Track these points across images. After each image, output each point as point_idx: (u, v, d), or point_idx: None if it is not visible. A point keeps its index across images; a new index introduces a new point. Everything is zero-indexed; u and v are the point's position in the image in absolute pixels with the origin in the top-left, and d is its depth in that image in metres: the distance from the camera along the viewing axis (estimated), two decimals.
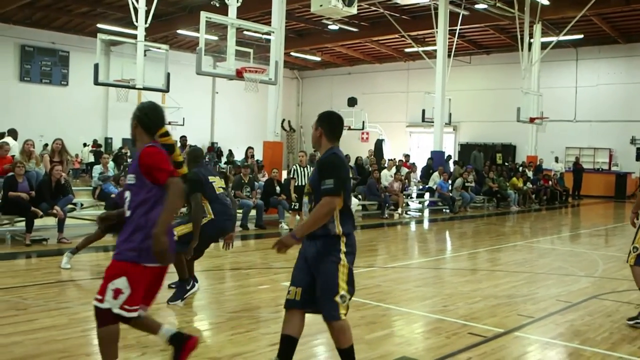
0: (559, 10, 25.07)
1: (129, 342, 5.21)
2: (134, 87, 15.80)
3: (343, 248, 4.15)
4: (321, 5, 15.36)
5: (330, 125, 4.36)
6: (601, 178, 29.17)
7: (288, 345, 4.32)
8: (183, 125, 30.21)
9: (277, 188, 14.27)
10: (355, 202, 16.50)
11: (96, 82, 15.53)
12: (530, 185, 23.50)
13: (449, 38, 23.70)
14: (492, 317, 6.58)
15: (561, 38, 26.28)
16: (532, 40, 25.74)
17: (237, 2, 14.49)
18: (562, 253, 12.34)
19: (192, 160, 6.97)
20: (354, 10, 15.95)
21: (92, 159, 25.77)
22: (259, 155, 19.70)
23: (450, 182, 20.07)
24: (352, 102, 31.07)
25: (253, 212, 13.67)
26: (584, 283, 8.77)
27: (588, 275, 9.42)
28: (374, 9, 26.09)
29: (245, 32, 21.62)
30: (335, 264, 4.13)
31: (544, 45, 25.96)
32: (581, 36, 28.40)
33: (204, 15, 13.28)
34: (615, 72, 30.48)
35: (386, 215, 17.17)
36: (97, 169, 13.25)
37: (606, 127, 30.07)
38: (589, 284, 8.71)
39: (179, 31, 29.13)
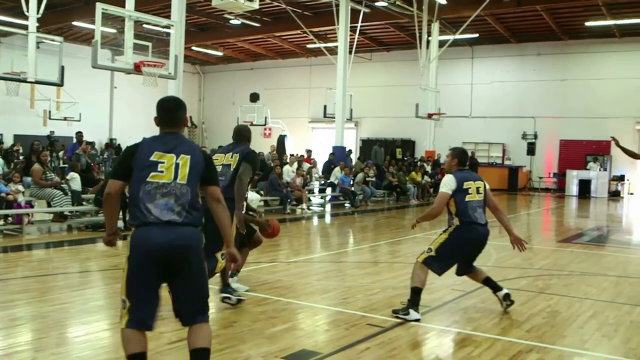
0: (456, 9, 25.92)
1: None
2: (25, 81, 15.12)
3: (128, 244, 3.83)
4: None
5: (157, 111, 4.08)
6: (495, 172, 30.38)
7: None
8: (80, 120, 29.19)
9: None
10: (257, 198, 16.43)
11: None
12: (429, 179, 24.17)
13: (350, 35, 24.02)
14: (391, 308, 6.71)
15: (457, 37, 27.19)
16: (430, 38, 26.47)
17: None
18: None
19: None
20: (255, 5, 15.93)
21: None
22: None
23: (351, 176, 20.36)
24: (254, 97, 30.98)
25: None
26: None
27: (482, 264, 9.70)
28: (276, 4, 26.10)
29: (144, 25, 21.14)
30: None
31: (441, 44, 26.76)
32: (476, 35, 29.53)
33: (99, 7, 12.87)
34: (508, 70, 31.86)
35: (288, 211, 17.24)
36: None
37: (500, 122, 31.39)
38: None
39: (74, 23, 28.14)
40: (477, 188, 6.57)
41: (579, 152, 29.75)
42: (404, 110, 28.64)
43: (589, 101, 29.38)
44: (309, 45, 33.76)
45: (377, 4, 24.92)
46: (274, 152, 24.16)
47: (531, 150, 30.06)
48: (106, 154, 26.13)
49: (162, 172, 3.83)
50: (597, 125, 28.91)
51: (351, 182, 20.19)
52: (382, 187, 22.08)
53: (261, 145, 30.18)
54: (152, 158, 3.85)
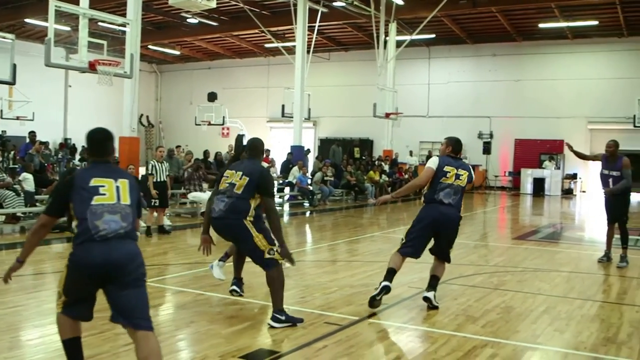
0: (413, 10, 26.16)
1: None
2: None
3: (69, 254, 4.03)
4: None
5: (87, 142, 4.33)
6: None
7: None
8: (33, 120, 28.58)
9: None
10: None
11: None
12: (387, 178, 24.35)
13: (308, 34, 24.01)
14: (348, 306, 6.78)
15: (414, 37, 27.42)
16: (387, 38, 26.65)
17: None
18: None
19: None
20: (213, 4, 15.85)
21: None
22: (115, 151, 19.05)
23: (309, 176, 20.40)
24: (212, 97, 30.79)
25: None
26: None
27: None
28: (233, 3, 25.98)
29: (100, 23, 20.84)
30: None
31: (398, 44, 26.99)
32: (433, 36, 29.86)
33: (52, 4, 12.61)
34: (464, 70, 32.29)
35: None
36: None
37: (456, 122, 31.75)
38: None
39: (27, 20, 27.59)
40: (459, 175, 6.89)
41: (534, 151, 30.34)
42: (362, 109, 28.78)
43: (543, 101, 29.99)
44: (267, 45, 33.71)
45: (334, 4, 24.99)
46: (232, 152, 24.02)
47: (487, 149, 30.52)
48: (60, 154, 25.65)
49: (105, 194, 4.02)
50: (551, 125, 29.57)
51: (309, 182, 20.22)
52: (340, 187, 22.16)
53: (219, 144, 30.04)
54: (92, 183, 4.03)
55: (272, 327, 5.93)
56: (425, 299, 6.80)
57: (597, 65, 29.56)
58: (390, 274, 6.72)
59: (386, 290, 6.57)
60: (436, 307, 6.78)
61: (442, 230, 6.87)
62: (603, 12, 25.98)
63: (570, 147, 10.73)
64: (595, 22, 26.93)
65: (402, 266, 6.87)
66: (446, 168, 6.85)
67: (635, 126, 24.96)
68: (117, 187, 4.07)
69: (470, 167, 7.20)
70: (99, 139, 4.28)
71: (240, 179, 6.11)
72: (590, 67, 29.60)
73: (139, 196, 4.28)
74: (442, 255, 6.99)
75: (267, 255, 6.08)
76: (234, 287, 7.05)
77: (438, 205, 6.78)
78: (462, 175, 6.89)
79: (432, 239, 6.94)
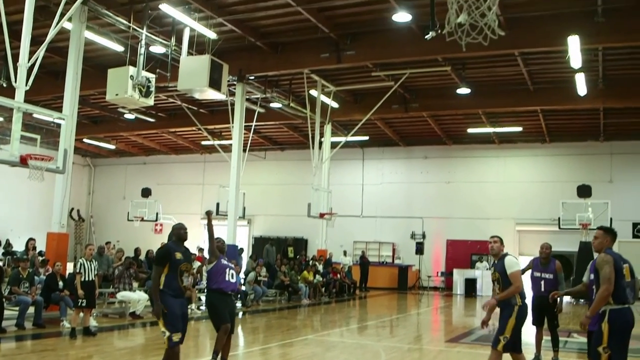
0: (347, 113, 26.93)
1: None
2: None
3: None
4: (117, 94, 15.19)
5: None
6: (386, 270, 30.94)
7: None
8: None
9: (60, 283, 13.49)
10: (144, 298, 15.91)
11: None
12: (321, 279, 24.23)
13: (245, 133, 24.22)
14: None
15: (349, 138, 28.08)
16: (322, 139, 27.16)
17: (27, 86, 13.80)
18: (349, 346, 12.75)
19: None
20: (150, 101, 15.94)
21: None
22: (42, 246, 18.46)
23: (243, 275, 20.11)
24: (146, 192, 30.51)
25: (32, 310, 12.69)
26: None
27: None
28: (171, 100, 26.23)
29: (34, 115, 20.61)
30: None
31: (333, 145, 27.54)
32: (367, 138, 30.73)
33: None
34: (397, 171, 33.11)
35: None
36: None
37: (389, 222, 32.26)
38: None
39: None
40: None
41: (465, 252, 30.85)
42: (296, 208, 28.95)
43: (473, 203, 30.86)
44: (203, 142, 33.89)
45: (271, 105, 25.51)
46: None
47: (420, 249, 30.90)
48: None
49: None
50: (481, 226, 30.23)
51: (242, 281, 19.93)
52: (273, 287, 21.89)
53: (152, 241, 29.48)
54: None
55: None
56: None
57: (523, 168, 30.88)
58: None
59: None
60: None
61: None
62: (526, 120, 27.44)
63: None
64: (520, 129, 28.38)
65: None
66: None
67: (560, 228, 25.83)
68: None
69: None
70: None
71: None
72: (516, 171, 30.88)
73: None
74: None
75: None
76: None
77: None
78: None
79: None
